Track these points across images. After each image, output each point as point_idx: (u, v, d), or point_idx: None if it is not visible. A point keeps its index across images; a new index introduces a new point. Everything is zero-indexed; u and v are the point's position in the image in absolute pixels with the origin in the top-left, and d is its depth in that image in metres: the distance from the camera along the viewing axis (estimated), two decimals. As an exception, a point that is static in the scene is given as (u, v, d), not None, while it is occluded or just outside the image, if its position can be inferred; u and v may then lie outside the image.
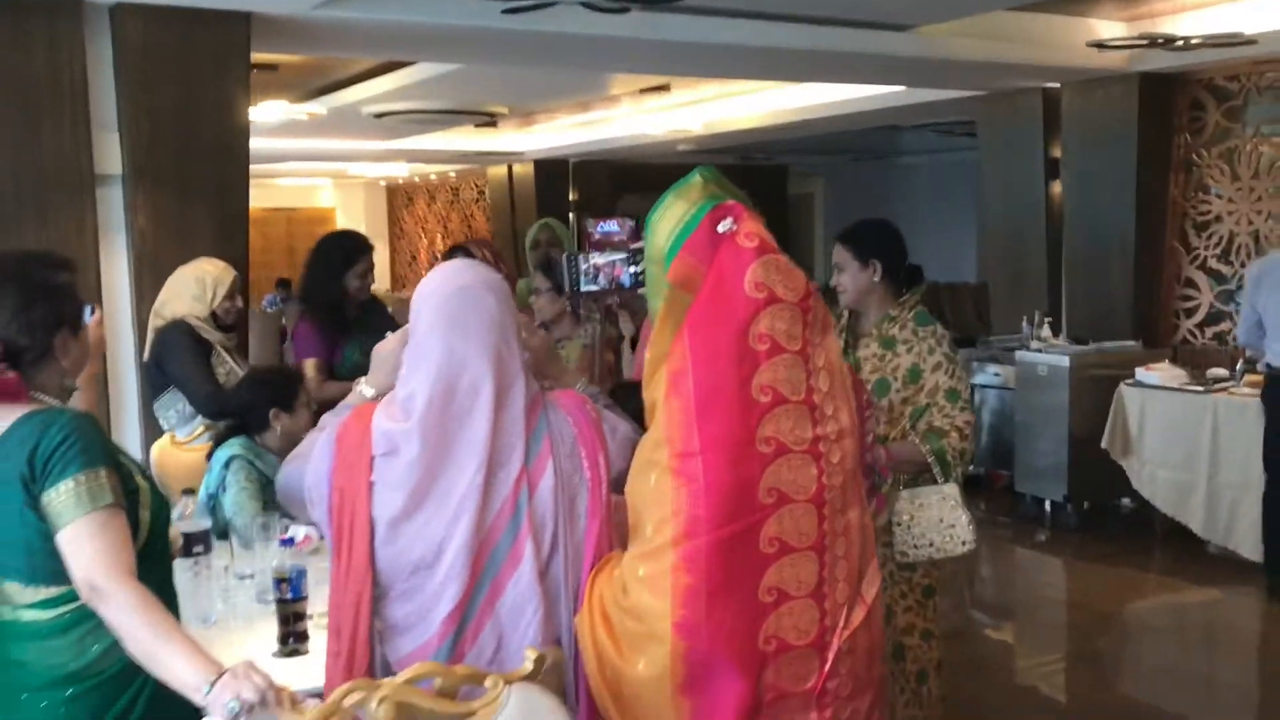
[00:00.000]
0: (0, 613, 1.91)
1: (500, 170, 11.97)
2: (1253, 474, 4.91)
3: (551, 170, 11.52)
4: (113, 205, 3.98)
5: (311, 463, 2.02)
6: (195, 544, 2.66)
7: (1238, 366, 5.26)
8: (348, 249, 4.40)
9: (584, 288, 2.17)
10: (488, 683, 1.69)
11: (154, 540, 1.98)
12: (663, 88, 8.11)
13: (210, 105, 4.01)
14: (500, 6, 4.04)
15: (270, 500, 3.33)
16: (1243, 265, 5.82)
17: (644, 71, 6.34)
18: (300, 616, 2.53)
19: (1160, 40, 5.08)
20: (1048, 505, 5.96)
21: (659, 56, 5.22)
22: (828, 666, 1.78)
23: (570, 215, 11.78)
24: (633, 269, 2.14)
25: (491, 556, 1.92)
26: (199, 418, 3.60)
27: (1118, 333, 6.07)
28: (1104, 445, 5.46)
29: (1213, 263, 6.10)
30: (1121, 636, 4.79)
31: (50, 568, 1.85)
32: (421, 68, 6.35)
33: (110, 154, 3.93)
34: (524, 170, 11.70)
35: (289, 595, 2.56)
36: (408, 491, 1.92)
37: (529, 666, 1.76)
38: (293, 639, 2.38)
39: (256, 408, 3.39)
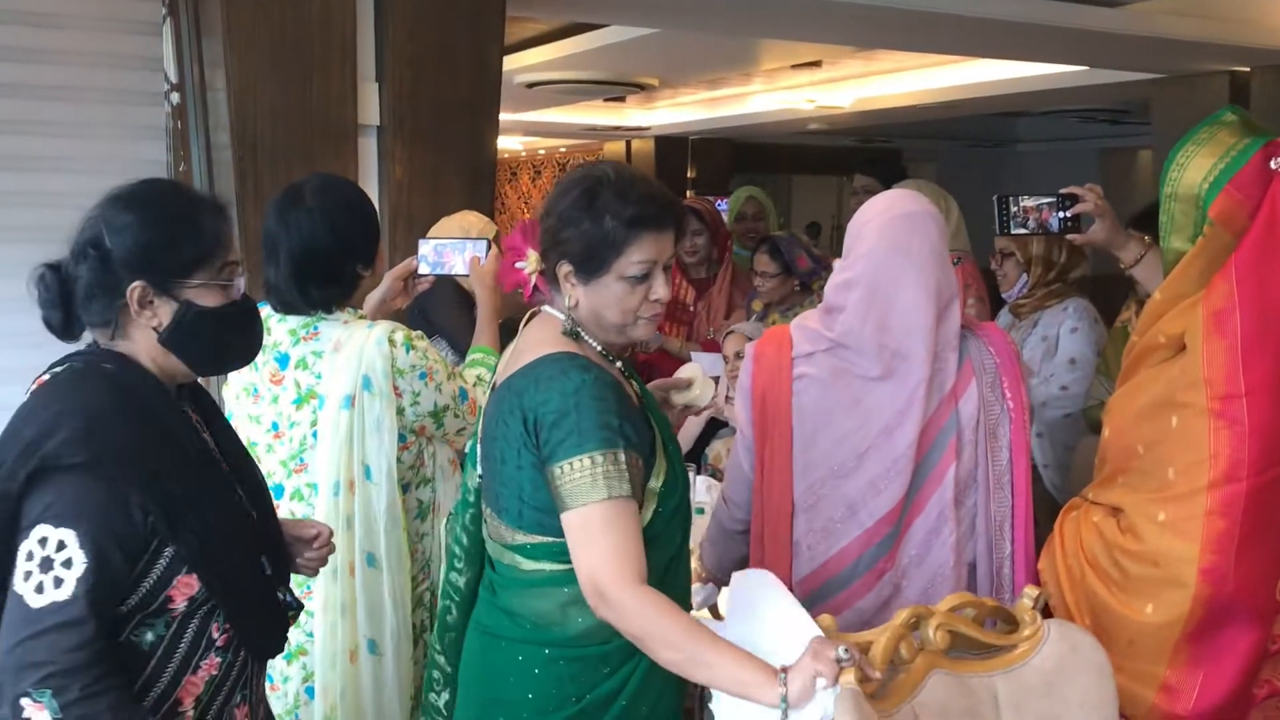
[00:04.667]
0: (491, 549, 1.84)
1: (617, 146, 11.97)
2: None
3: (671, 147, 11.50)
4: (368, 155, 4.01)
5: (738, 390, 2.07)
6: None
7: None
8: None
9: (1014, 230, 2.17)
10: (1026, 616, 1.69)
11: (659, 520, 1.75)
12: (815, 63, 8.06)
13: (466, 58, 4.03)
14: (757, -33, 4.02)
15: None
16: None
17: (850, 42, 6.25)
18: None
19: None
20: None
21: (875, 25, 5.17)
22: (1322, 620, 1.76)
23: (688, 193, 11.79)
24: (1061, 214, 2.13)
25: (916, 473, 1.96)
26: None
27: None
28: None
29: None
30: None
31: (535, 519, 1.72)
32: (591, 35, 6.34)
33: (369, 104, 3.95)
34: (642, 146, 11.70)
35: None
36: (832, 397, 1.96)
37: (1027, 603, 1.76)
38: None
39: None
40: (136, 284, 1.52)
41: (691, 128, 10.75)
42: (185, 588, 1.49)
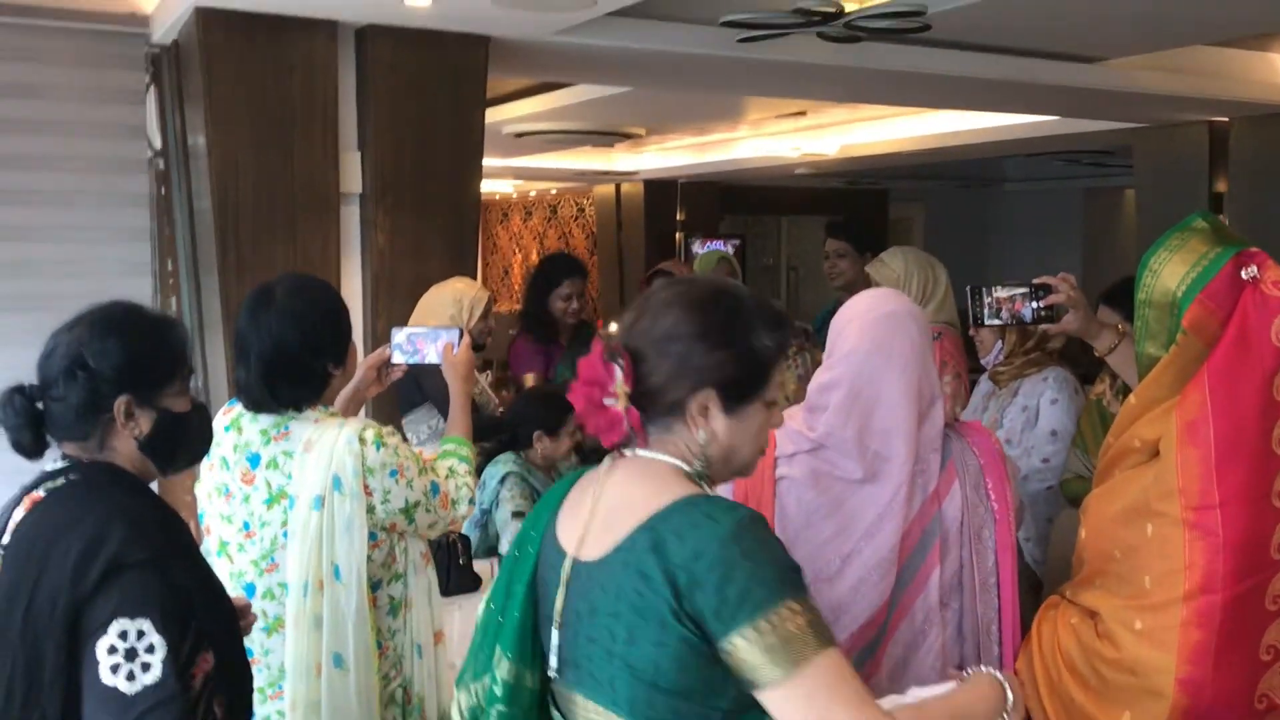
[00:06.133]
0: None
1: (607, 189, 12.01)
2: None
3: (660, 190, 11.55)
4: (351, 223, 4.02)
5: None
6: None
7: None
8: (552, 271, 4.48)
9: (987, 321, 2.18)
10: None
11: None
12: (800, 113, 8.11)
13: (448, 126, 4.05)
14: (736, 35, 4.05)
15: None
16: None
17: (833, 98, 6.33)
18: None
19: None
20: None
21: (857, 83, 5.22)
22: (1304, 726, 1.76)
23: (677, 235, 11.83)
24: (1034, 304, 2.13)
25: (900, 576, 1.94)
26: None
27: None
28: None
29: (1392, 303, 5.99)
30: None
31: (670, 706, 1.39)
32: (578, 90, 6.38)
33: (351, 173, 3.97)
34: (631, 189, 11.74)
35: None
36: (814, 500, 1.94)
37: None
38: None
39: (524, 427, 3.43)
40: (123, 398, 1.66)
41: (680, 172, 10.81)
42: (204, 664, 1.59)
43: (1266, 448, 1.68)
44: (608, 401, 1.45)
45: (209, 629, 1.60)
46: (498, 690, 1.54)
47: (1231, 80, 5.64)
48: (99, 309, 1.71)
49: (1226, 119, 6.39)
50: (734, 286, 1.57)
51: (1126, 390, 2.91)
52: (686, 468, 1.50)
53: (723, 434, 1.50)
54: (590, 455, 4.06)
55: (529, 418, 3.42)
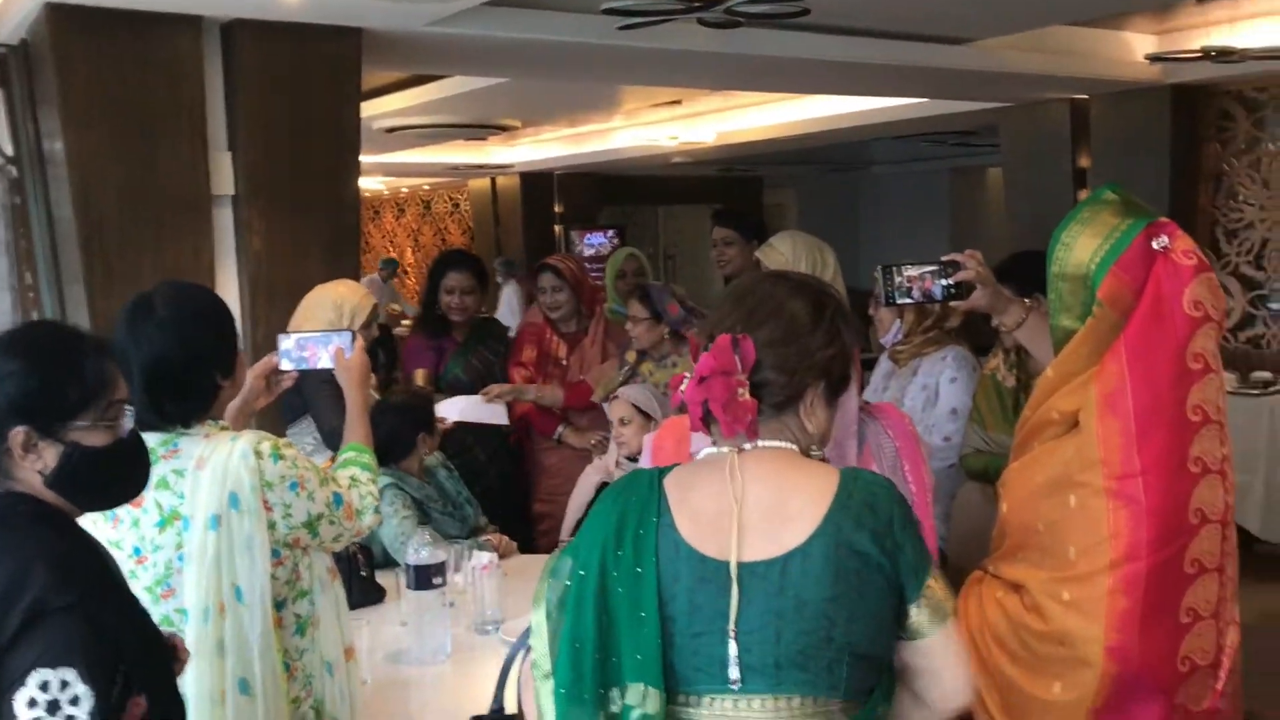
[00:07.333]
0: None
1: (482, 183, 11.87)
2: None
3: (537, 183, 11.46)
4: (224, 227, 3.85)
5: None
6: (434, 576, 2.60)
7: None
8: (436, 265, 4.38)
9: (899, 300, 2.18)
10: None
11: None
12: (675, 101, 8.11)
13: (322, 123, 3.91)
14: (616, 22, 4.00)
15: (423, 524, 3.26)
16: (1275, 271, 6.04)
17: (713, 86, 6.33)
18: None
19: (1214, 53, 5.22)
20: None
21: (736, 70, 5.23)
22: (1220, 685, 1.80)
23: (555, 228, 11.75)
24: (943, 282, 2.13)
25: None
26: (340, 445, 3.49)
27: (1154, 338, 6.22)
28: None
29: (1244, 269, 6.29)
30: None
31: (868, 675, 1.45)
32: (451, 82, 6.25)
33: (222, 174, 3.80)
34: (507, 183, 11.63)
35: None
36: None
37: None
38: None
39: (403, 436, 3.33)
40: (19, 429, 1.52)
41: (556, 163, 10.73)
42: (136, 709, 1.49)
43: (1182, 415, 1.72)
44: (743, 394, 1.49)
45: (140, 671, 1.50)
46: None
47: (1091, 59, 5.83)
48: (13, 329, 1.58)
49: (1087, 97, 6.61)
50: (826, 284, 1.66)
51: (1020, 365, 2.97)
52: (818, 453, 1.57)
53: (825, 422, 1.58)
54: (461, 453, 3.93)
55: (405, 428, 3.33)
